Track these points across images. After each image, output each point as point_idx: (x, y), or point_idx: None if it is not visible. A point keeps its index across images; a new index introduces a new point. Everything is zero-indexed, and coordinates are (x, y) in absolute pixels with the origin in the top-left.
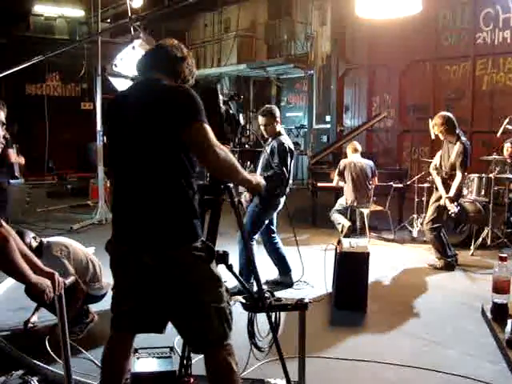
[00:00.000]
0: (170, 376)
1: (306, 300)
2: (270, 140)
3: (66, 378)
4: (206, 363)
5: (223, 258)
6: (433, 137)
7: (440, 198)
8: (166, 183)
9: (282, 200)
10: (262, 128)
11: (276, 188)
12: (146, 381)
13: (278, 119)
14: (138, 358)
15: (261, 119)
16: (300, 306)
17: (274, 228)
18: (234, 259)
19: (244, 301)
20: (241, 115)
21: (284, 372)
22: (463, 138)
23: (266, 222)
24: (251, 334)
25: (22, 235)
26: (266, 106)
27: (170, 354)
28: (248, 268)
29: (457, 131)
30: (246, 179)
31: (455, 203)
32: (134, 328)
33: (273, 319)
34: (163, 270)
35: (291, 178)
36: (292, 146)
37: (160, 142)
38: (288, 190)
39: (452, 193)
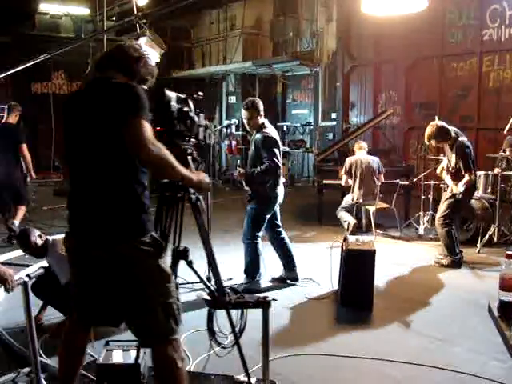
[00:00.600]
0: (133, 368)
1: (270, 298)
2: (254, 133)
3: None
4: (152, 357)
5: (183, 254)
6: None
7: (453, 195)
8: (114, 179)
9: (281, 192)
10: (245, 122)
11: (269, 181)
12: (109, 371)
13: (262, 112)
14: (107, 350)
15: (244, 113)
16: (262, 303)
17: (278, 222)
18: (238, 256)
19: (208, 298)
20: (201, 115)
21: (244, 369)
22: (460, 139)
23: (268, 217)
24: (211, 331)
25: (27, 233)
26: (249, 98)
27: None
28: (252, 266)
29: (452, 135)
30: (185, 176)
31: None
32: (90, 320)
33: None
34: (111, 263)
35: (281, 169)
36: (278, 138)
37: (106, 138)
38: (283, 180)
39: (459, 189)
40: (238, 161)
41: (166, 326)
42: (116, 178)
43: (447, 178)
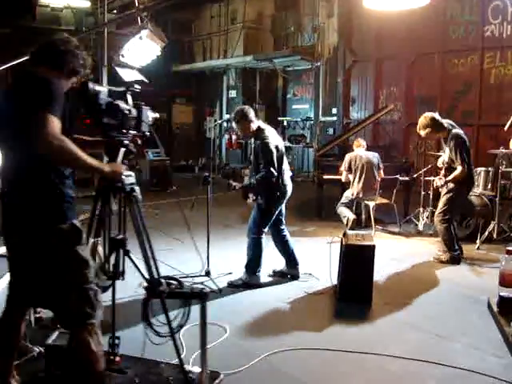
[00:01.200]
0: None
1: (207, 290)
2: (253, 139)
3: None
4: (68, 339)
5: (119, 243)
6: None
7: (451, 189)
8: (32, 170)
9: (289, 188)
10: (240, 133)
11: (267, 189)
12: (56, 352)
13: (252, 118)
14: (59, 332)
15: (235, 126)
16: (197, 294)
17: (282, 219)
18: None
19: (146, 286)
20: (145, 108)
21: (178, 357)
22: (454, 131)
23: (276, 213)
24: (146, 320)
25: None
26: (236, 109)
27: None
28: (255, 261)
29: (445, 126)
30: (93, 167)
31: (443, 182)
32: (22, 301)
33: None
34: (31, 249)
35: (286, 171)
36: (276, 140)
37: (22, 131)
38: (290, 174)
39: (449, 178)
40: (247, 170)
41: (82, 310)
42: (34, 168)
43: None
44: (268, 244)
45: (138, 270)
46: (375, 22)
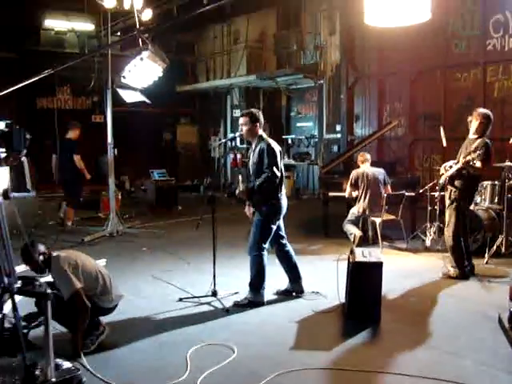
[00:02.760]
0: None
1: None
2: (253, 145)
3: None
4: None
5: None
6: (444, 144)
7: (453, 201)
8: None
9: (285, 203)
10: (242, 129)
11: (271, 192)
12: None
13: (261, 122)
14: None
15: (241, 119)
16: (41, 294)
17: (282, 233)
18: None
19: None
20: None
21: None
22: (485, 137)
23: (274, 228)
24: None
25: (30, 250)
26: (250, 109)
27: None
28: (258, 279)
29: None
30: None
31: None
32: None
33: None
34: None
35: (283, 189)
36: (279, 149)
37: None
38: (285, 191)
39: (459, 164)
40: (240, 176)
41: None
42: None
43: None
44: (270, 262)
45: None
46: (377, 39)
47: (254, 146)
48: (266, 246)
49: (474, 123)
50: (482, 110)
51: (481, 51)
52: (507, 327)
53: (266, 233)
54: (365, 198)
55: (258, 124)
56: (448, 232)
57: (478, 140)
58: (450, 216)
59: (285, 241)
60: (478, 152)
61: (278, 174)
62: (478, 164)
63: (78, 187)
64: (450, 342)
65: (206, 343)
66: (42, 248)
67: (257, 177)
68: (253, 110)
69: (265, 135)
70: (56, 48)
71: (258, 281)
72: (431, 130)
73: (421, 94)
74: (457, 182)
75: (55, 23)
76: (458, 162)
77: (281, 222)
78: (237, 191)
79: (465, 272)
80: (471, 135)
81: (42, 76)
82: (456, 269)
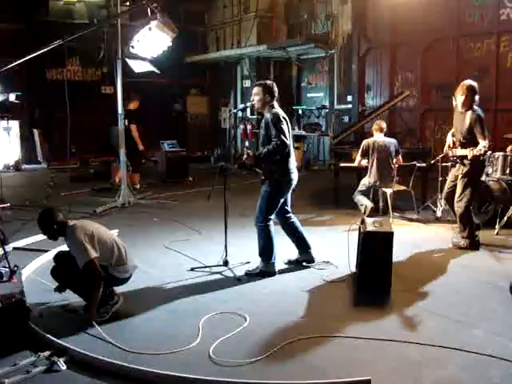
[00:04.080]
0: None
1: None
2: (265, 114)
3: None
4: None
5: None
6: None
7: (465, 173)
8: None
9: (295, 177)
10: (254, 99)
11: (278, 162)
12: None
13: (274, 94)
14: None
15: (255, 91)
16: None
17: (288, 208)
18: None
19: None
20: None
21: None
22: (475, 107)
23: (281, 201)
24: None
25: (52, 212)
26: (265, 80)
27: None
28: (267, 249)
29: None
30: None
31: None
32: None
33: None
34: None
35: (293, 160)
36: (286, 117)
37: None
38: (296, 164)
39: (475, 151)
40: (246, 142)
41: None
42: None
43: (459, 150)
44: (280, 233)
45: None
46: (389, 8)
47: (265, 115)
48: (272, 216)
49: (459, 97)
50: (465, 83)
51: (494, 21)
52: None
53: (272, 205)
54: (376, 168)
55: (270, 96)
56: (458, 203)
57: (469, 113)
58: (462, 188)
59: (289, 214)
60: (479, 147)
61: (288, 142)
62: (483, 143)
63: (137, 154)
64: (460, 312)
65: (218, 312)
66: (60, 216)
67: (263, 146)
68: (268, 81)
69: (276, 106)
70: (65, 18)
71: (266, 251)
72: (443, 101)
73: (433, 64)
74: (466, 161)
75: None
76: (455, 138)
77: (288, 196)
78: (244, 156)
79: (475, 242)
80: (460, 109)
81: (52, 47)
82: (467, 239)
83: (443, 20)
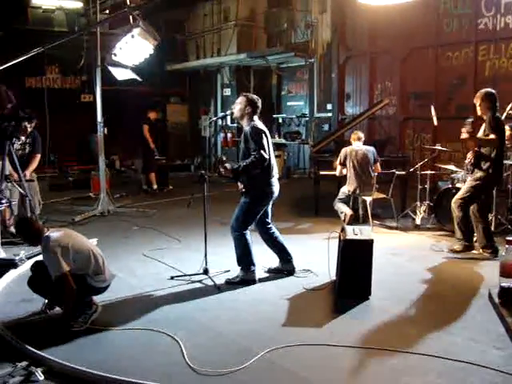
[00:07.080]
0: None
1: None
2: (243, 128)
3: None
4: None
5: None
6: (435, 123)
7: (478, 178)
8: None
9: (276, 190)
10: (235, 108)
11: (259, 174)
12: None
13: (256, 110)
14: None
15: (238, 101)
16: None
17: (268, 220)
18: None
19: None
20: None
21: None
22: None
23: (260, 213)
24: None
25: (31, 220)
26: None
27: None
28: (244, 258)
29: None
30: None
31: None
32: None
33: None
34: None
35: (275, 172)
36: (266, 130)
37: None
38: (277, 176)
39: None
40: (224, 156)
41: None
42: None
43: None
44: (259, 240)
45: None
46: (368, 17)
47: (244, 127)
48: (248, 226)
49: (477, 106)
50: (480, 92)
51: (472, 30)
52: (497, 302)
53: (250, 216)
54: (355, 176)
55: (252, 108)
56: (456, 203)
57: (486, 117)
58: (466, 189)
59: (269, 225)
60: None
61: (267, 156)
62: (492, 136)
63: (150, 155)
64: (439, 319)
65: (198, 321)
66: (35, 225)
67: (244, 158)
68: (254, 96)
69: (256, 118)
70: (44, 26)
71: (244, 260)
72: (422, 109)
73: (412, 73)
74: (483, 164)
75: (43, 1)
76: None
77: (269, 207)
78: (221, 169)
79: (469, 246)
80: (482, 116)
81: (31, 55)
82: (462, 242)
83: (422, 29)
